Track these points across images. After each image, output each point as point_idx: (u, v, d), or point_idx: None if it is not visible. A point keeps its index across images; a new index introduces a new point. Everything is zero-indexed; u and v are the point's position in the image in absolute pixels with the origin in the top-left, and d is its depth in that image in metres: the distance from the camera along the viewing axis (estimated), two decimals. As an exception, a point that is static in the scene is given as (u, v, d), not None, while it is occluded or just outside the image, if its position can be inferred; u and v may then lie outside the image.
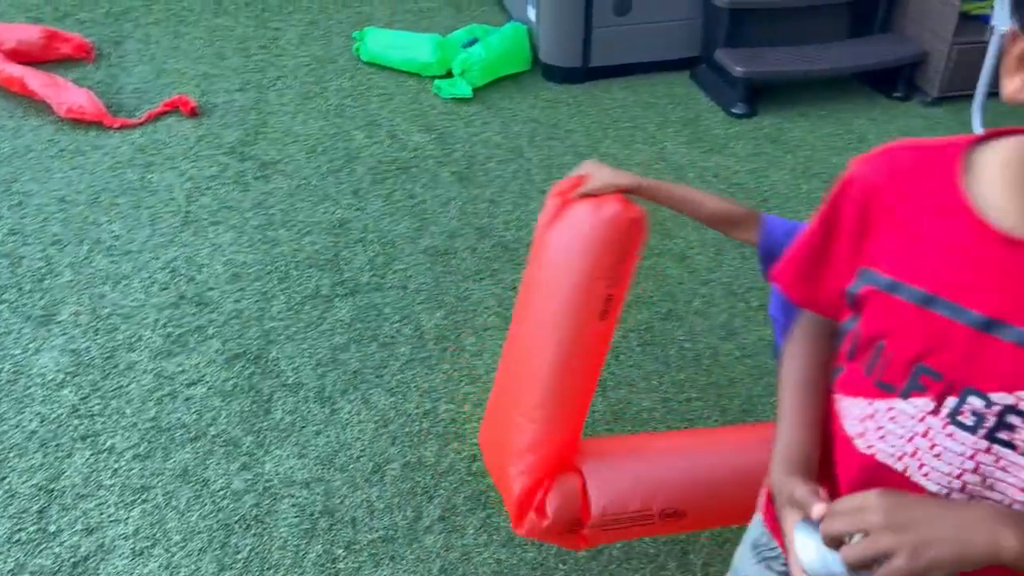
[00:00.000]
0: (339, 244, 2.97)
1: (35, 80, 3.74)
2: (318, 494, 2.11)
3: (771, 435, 1.04)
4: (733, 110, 3.72)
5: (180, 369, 2.45)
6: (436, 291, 2.77)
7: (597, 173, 1.52)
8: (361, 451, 2.23)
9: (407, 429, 2.29)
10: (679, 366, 2.48)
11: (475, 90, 3.85)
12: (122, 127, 3.61)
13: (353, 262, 2.89)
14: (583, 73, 3.98)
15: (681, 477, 1.62)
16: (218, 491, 2.10)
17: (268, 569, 1.93)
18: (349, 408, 2.34)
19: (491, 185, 3.30)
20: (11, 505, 2.04)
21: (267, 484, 2.12)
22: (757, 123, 3.69)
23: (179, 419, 2.29)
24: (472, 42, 4.08)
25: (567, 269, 1.50)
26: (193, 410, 2.32)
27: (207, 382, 2.40)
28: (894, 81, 3.88)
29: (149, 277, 2.79)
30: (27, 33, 4.13)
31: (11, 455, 2.16)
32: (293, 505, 2.08)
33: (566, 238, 1.49)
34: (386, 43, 4.17)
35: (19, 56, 4.00)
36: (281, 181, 3.35)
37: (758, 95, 3.76)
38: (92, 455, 2.18)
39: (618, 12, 3.88)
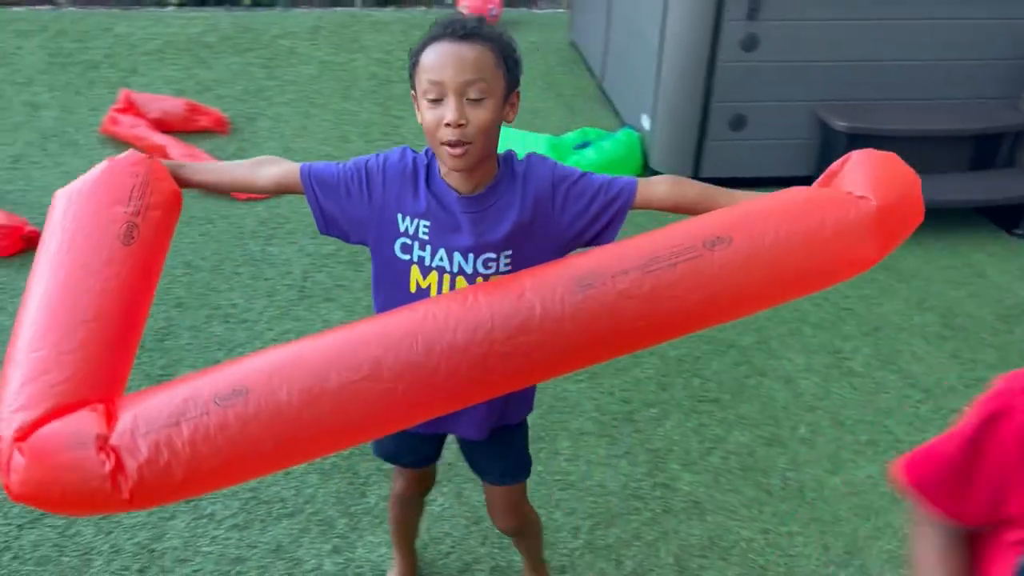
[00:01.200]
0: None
1: (175, 149, 4.01)
2: (406, 586, 2.10)
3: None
4: (845, 233, 3.68)
5: (283, 442, 2.50)
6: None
7: None
8: (451, 547, 2.21)
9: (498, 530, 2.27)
10: (781, 496, 2.40)
11: (585, 191, 3.93)
12: (248, 199, 3.82)
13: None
14: (693, 183, 4.01)
15: (238, 365, 1.20)
16: (309, 571, 2.12)
17: (351, 659, 1.92)
18: (442, 501, 2.34)
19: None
20: (115, 561, 2.10)
21: (358, 570, 2.13)
22: (869, 248, 3.64)
23: (278, 493, 2.34)
24: (584, 145, 4.19)
25: (83, 203, 1.32)
26: (292, 485, 2.36)
27: (314, 460, 2.45)
28: (1016, 217, 3.78)
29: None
30: (171, 105, 4.45)
31: (119, 514, 2.23)
32: (380, 595, 2.08)
33: (79, 184, 1.36)
34: (500, 140, 4.31)
35: (162, 126, 4.31)
36: (391, 264, 3.45)
37: (871, 219, 3.71)
38: (193, 519, 2.23)
39: (733, 127, 3.93)
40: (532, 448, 2.51)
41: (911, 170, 1.49)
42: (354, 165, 1.49)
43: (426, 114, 1.37)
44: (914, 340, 3.06)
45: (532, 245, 1.48)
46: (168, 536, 2.18)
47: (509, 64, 1.39)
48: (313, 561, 2.15)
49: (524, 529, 1.93)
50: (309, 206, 1.48)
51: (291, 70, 5.42)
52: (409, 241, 1.48)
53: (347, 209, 1.48)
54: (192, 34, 5.98)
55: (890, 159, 1.50)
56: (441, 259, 1.47)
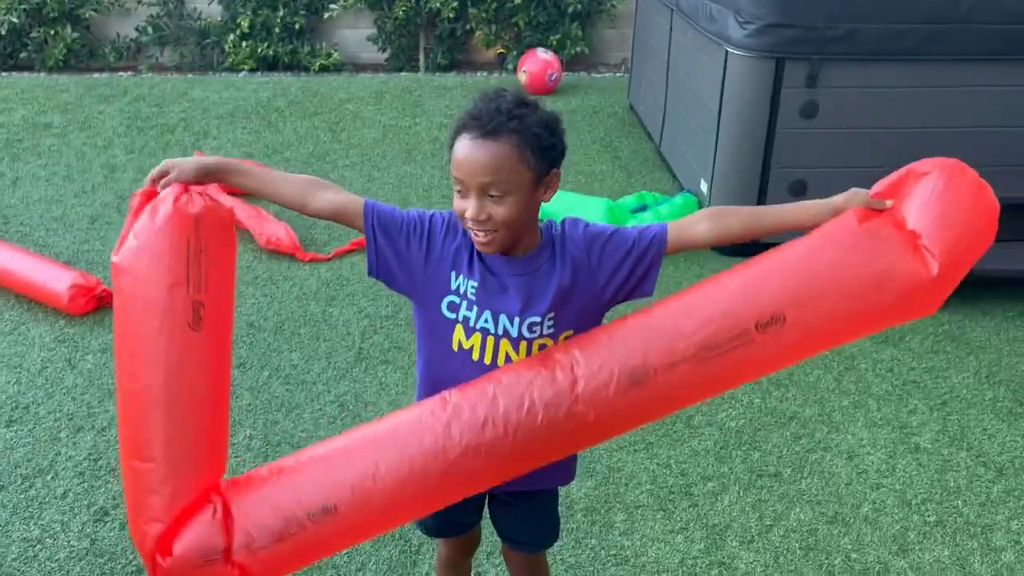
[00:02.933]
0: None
1: (242, 211, 4.14)
2: (456, 661, 2.07)
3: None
4: (910, 301, 3.59)
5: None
6: (588, 458, 2.74)
7: (179, 163, 1.46)
8: (502, 622, 2.18)
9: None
10: (844, 578, 2.32)
11: (642, 256, 3.93)
12: (312, 260, 3.91)
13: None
14: (751, 248, 3.97)
15: (324, 473, 1.39)
16: (359, 641, 2.11)
17: None
18: (493, 572, 2.32)
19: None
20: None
21: (407, 642, 2.11)
22: (936, 318, 3.54)
23: (331, 560, 2.34)
24: (642, 208, 4.20)
25: (141, 284, 1.36)
26: (344, 553, 2.36)
27: (360, 524, 2.45)
28: (1092, 287, 3.65)
29: (320, 409, 2.93)
30: (241, 168, 4.61)
31: None
32: (430, 669, 2.05)
33: (132, 254, 1.37)
34: (557, 203, 4.35)
35: (231, 187, 4.46)
36: (448, 327, 3.48)
37: (937, 288, 3.62)
38: (247, 584, 2.24)
39: (794, 192, 3.90)
40: (585, 519, 2.49)
41: (987, 192, 1.44)
42: (418, 215, 1.52)
43: (455, 201, 1.45)
44: (985, 415, 2.95)
45: (574, 305, 1.52)
46: (222, 600, 2.19)
47: (538, 153, 1.42)
48: (364, 631, 2.14)
49: None
50: (365, 244, 1.51)
51: (356, 133, 5.58)
52: (457, 300, 1.51)
53: (403, 256, 1.50)
54: (262, 98, 6.22)
55: (965, 185, 1.45)
56: (486, 321, 1.50)
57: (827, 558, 2.38)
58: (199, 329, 1.37)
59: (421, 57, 7.24)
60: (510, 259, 1.51)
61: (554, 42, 6.95)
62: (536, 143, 1.41)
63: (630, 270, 1.51)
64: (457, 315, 1.51)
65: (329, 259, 3.93)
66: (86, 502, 2.48)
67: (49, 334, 3.29)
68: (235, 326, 3.38)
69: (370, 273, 1.53)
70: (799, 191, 3.91)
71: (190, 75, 6.90)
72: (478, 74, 7.15)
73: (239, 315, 3.47)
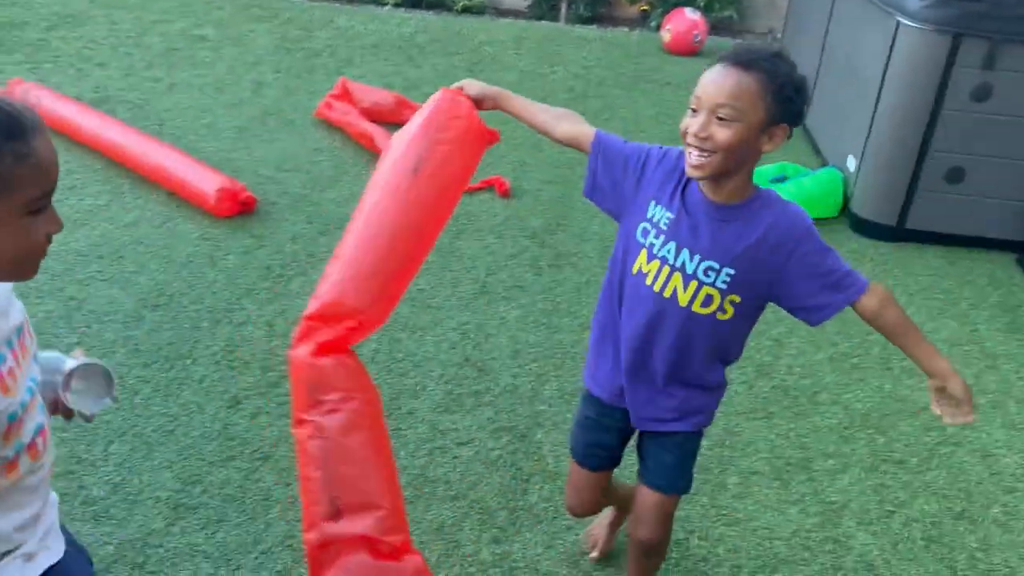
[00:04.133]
0: (618, 347, 3.01)
1: (382, 138, 4.21)
2: (559, 591, 2.09)
3: None
4: (1065, 307, 3.37)
5: (453, 427, 2.56)
6: (706, 418, 2.70)
7: (471, 80, 1.78)
8: (608, 561, 2.19)
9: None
10: None
11: (777, 227, 3.81)
12: (443, 193, 3.95)
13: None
14: (896, 232, 3.81)
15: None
16: (466, 556, 2.15)
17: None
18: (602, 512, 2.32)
19: (779, 324, 3.20)
20: (290, 511, 2.21)
21: (513, 565, 2.14)
22: (1092, 327, 3.31)
23: (444, 474, 2.39)
24: (781, 179, 4.06)
25: (398, 141, 1.72)
26: (458, 470, 2.41)
27: (475, 446, 2.50)
28: None
29: (442, 334, 2.98)
30: (382, 97, 4.69)
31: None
32: (533, 594, 2.08)
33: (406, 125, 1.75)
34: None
35: (372, 115, 4.54)
36: (571, 273, 3.47)
37: (1097, 297, 3.38)
38: (364, 486, 2.32)
39: (951, 180, 3.69)
40: (697, 478, 2.45)
41: None
42: (638, 148, 1.67)
43: (684, 120, 1.53)
44: None
45: (753, 276, 1.58)
46: (340, 497, 2.27)
47: (778, 100, 1.47)
48: (471, 547, 2.18)
49: (662, 547, 1.92)
50: (587, 169, 1.69)
51: (493, 76, 5.58)
52: (650, 227, 1.62)
53: (619, 183, 1.67)
54: (404, 33, 6.29)
55: None
56: (668, 251, 1.60)
57: (950, 553, 2.28)
58: (416, 174, 1.65)
59: (563, 7, 7.15)
60: (712, 203, 1.57)
61: (702, 2, 6.75)
62: (779, 90, 1.47)
63: (808, 293, 1.59)
64: (645, 241, 1.62)
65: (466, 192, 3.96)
66: (221, 389, 2.61)
67: (195, 231, 3.45)
68: (367, 245, 3.46)
69: (585, 194, 1.72)
70: (956, 179, 3.69)
71: (337, 4, 7.03)
72: (619, 29, 7.02)
73: (371, 236, 3.55)
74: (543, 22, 7.08)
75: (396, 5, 7.10)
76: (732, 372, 2.92)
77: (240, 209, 3.58)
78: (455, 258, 3.47)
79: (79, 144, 3.98)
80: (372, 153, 4.24)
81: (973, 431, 2.72)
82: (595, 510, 2.06)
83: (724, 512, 2.37)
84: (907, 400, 2.85)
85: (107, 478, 2.24)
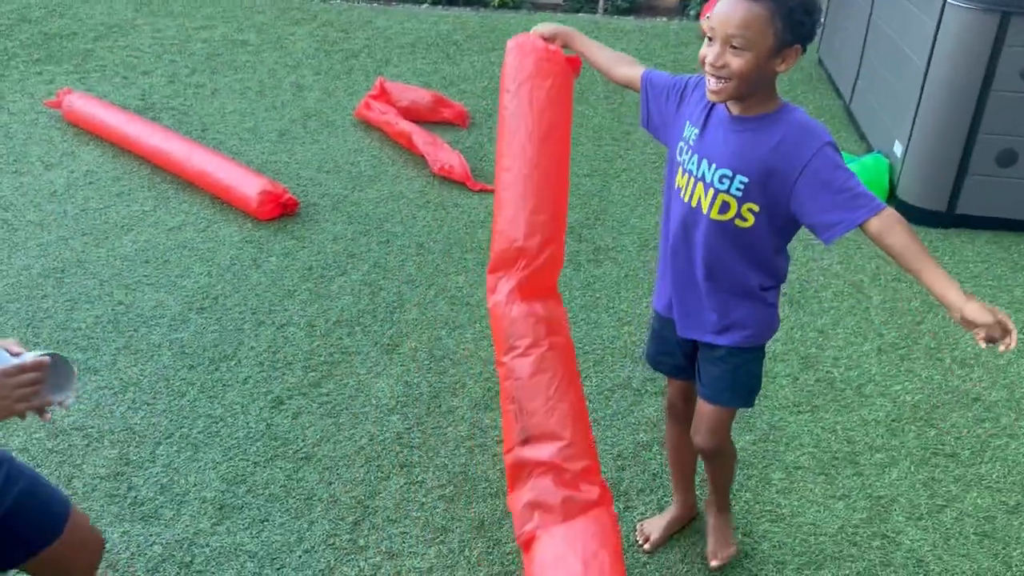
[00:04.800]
0: (659, 341, 2.98)
1: (419, 137, 4.23)
2: (600, 588, 2.08)
3: None
4: None
5: (493, 424, 2.57)
6: (747, 414, 2.66)
7: (543, 24, 2.05)
8: (647, 561, 2.17)
9: (698, 549, 2.20)
10: (1022, 571, 2.15)
11: (821, 216, 3.73)
12: (481, 190, 3.96)
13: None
14: (946, 218, 3.70)
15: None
16: (507, 553, 2.15)
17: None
18: (643, 509, 2.30)
19: (824, 315, 3.14)
20: (332, 510, 2.24)
21: (554, 562, 2.13)
22: None
23: (485, 472, 2.40)
24: (826, 167, 3.97)
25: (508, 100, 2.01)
26: (499, 467, 2.41)
27: (515, 444, 2.49)
28: None
29: (482, 330, 2.98)
30: (419, 95, 4.71)
31: (340, 464, 2.39)
32: (574, 591, 2.07)
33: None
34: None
35: (410, 114, 4.56)
36: (611, 268, 3.45)
37: None
38: (406, 483, 2.34)
39: (1002, 163, 3.58)
40: (741, 473, 2.42)
41: None
42: (678, 79, 1.84)
43: (702, 49, 1.66)
44: None
45: (768, 187, 1.67)
46: (382, 495, 2.30)
47: (788, 23, 1.57)
48: (511, 545, 2.18)
49: (717, 456, 2.03)
50: (640, 102, 1.89)
51: (530, 71, 5.55)
52: (684, 145, 1.77)
53: (663, 111, 1.84)
54: (442, 31, 6.30)
55: None
56: (693, 163, 1.74)
57: (1004, 548, 2.22)
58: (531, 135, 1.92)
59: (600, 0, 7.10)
60: (736, 116, 1.69)
61: (742, -10, 6.62)
62: (789, 15, 1.57)
63: (820, 209, 1.63)
64: (680, 158, 1.78)
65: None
66: (264, 390, 2.65)
67: (238, 234, 3.51)
68: (406, 245, 3.49)
69: (642, 124, 1.92)
70: (1008, 162, 3.58)
71: (375, 4, 7.07)
72: (657, 20, 6.95)
73: (410, 236, 3.57)
74: (581, 14, 7.03)
75: (434, 3, 7.12)
76: (776, 364, 2.88)
77: (282, 211, 3.63)
78: (494, 255, 3.46)
79: (126, 151, 4.08)
80: (407, 152, 4.26)
81: (1028, 422, 2.64)
82: (685, 415, 2.10)
83: (768, 508, 2.33)
84: (958, 391, 2.77)
85: (155, 479, 2.29)
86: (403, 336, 2.93)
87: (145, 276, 3.19)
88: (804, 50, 1.63)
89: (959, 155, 3.60)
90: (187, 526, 2.15)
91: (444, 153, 4.12)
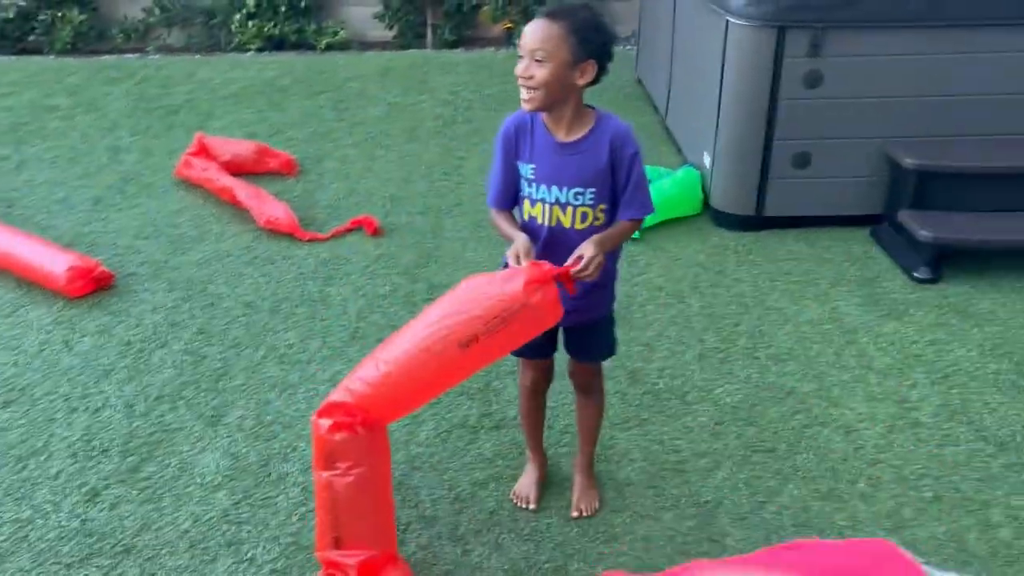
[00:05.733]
0: (491, 374, 3.00)
1: (242, 191, 4.14)
2: (439, 639, 2.07)
3: None
4: (915, 274, 3.52)
5: (326, 485, 2.51)
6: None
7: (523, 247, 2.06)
8: (534, 520, 2.17)
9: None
10: (835, 555, 2.28)
11: (642, 230, 3.88)
12: (311, 240, 3.90)
13: (503, 394, 2.91)
14: (756, 221, 3.92)
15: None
16: None
17: None
18: (481, 551, 2.31)
19: (648, 328, 3.26)
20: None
21: None
22: (941, 290, 3.47)
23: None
24: (645, 183, 4.13)
25: (463, 302, 1.93)
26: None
27: (349, 502, 2.45)
28: (1105, 257, 3.55)
29: (313, 388, 2.93)
30: (242, 148, 4.61)
31: (163, 552, 2.28)
32: (413, 647, 2.05)
33: (475, 283, 1.96)
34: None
35: (233, 168, 4.46)
36: (446, 305, 3.46)
37: (943, 260, 3.55)
38: (234, 563, 2.25)
39: (797, 165, 3.83)
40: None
41: None
42: (502, 140, 2.09)
43: (517, 65, 1.98)
44: (987, 389, 2.89)
45: (608, 185, 2.05)
46: (209, 579, 2.20)
47: (580, 38, 1.91)
48: None
49: (593, 389, 2.41)
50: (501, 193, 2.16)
51: (360, 112, 5.55)
52: (526, 180, 2.08)
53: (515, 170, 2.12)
54: (267, 77, 6.20)
55: None
56: (544, 191, 2.05)
57: (819, 535, 2.35)
58: (464, 350, 1.90)
59: (428, 34, 7.17)
60: (558, 143, 2.04)
61: (561, 15, 6.85)
62: (580, 32, 1.91)
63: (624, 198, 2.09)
64: (528, 191, 2.09)
65: (328, 239, 3.92)
66: (78, 482, 2.50)
67: (47, 316, 3.32)
68: (232, 307, 3.39)
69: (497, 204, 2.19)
70: (803, 163, 3.83)
71: (198, 56, 6.89)
72: (485, 50, 7.08)
73: (237, 296, 3.47)
74: (410, 51, 7.08)
75: (259, 50, 7.00)
76: (606, 383, 2.96)
77: (96, 286, 3.45)
78: (324, 306, 3.42)
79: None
80: (232, 207, 4.16)
81: (836, 407, 2.82)
82: (544, 388, 2.46)
83: (602, 529, 2.38)
84: (774, 386, 2.93)
85: (-48, 600, 2.12)
86: (229, 405, 2.84)
87: (-59, 375, 2.96)
88: (603, 67, 1.98)
89: (759, 162, 3.83)
90: (-11, 648, 2.00)
91: (269, 205, 4.04)
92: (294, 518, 2.40)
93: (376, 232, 3.98)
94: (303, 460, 2.60)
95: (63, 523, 2.36)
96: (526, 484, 2.48)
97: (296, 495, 2.48)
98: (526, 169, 2.06)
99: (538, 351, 2.27)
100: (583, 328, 2.25)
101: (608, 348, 2.34)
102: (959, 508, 2.41)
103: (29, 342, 3.16)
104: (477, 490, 2.51)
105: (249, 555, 2.27)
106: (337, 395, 1.97)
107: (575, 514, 2.41)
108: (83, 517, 2.38)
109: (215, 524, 2.37)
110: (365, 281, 3.60)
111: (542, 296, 1.89)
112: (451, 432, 2.74)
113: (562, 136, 2.04)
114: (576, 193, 2.03)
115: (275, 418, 2.79)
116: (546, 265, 1.93)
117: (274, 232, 3.95)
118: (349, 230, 3.99)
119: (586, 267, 1.94)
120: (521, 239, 2.02)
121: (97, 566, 2.23)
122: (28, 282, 3.51)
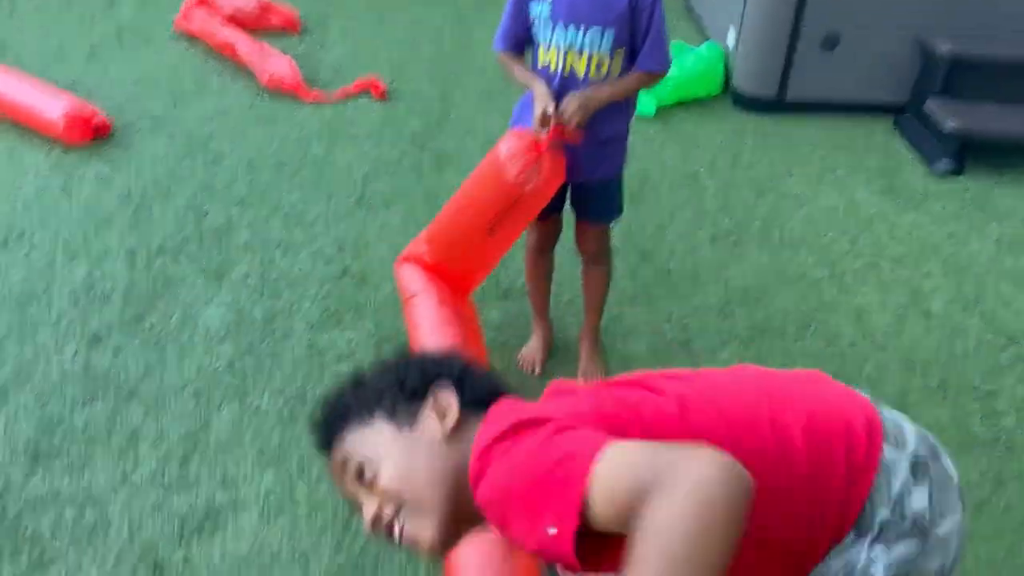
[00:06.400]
0: (501, 245, 2.96)
1: (244, 46, 3.96)
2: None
3: None
4: (937, 166, 3.43)
5: (331, 343, 2.50)
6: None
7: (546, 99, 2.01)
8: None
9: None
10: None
11: (658, 108, 3.76)
12: (315, 101, 3.76)
13: (510, 265, 2.85)
14: (777, 105, 3.80)
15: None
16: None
17: (385, 560, 1.92)
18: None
19: (661, 208, 3.19)
20: (160, 447, 2.13)
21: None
22: (962, 183, 3.39)
23: (324, 392, 2.33)
24: (664, 60, 3.98)
25: (477, 188, 2.23)
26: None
27: (355, 360, 2.44)
28: None
29: (318, 249, 2.87)
30: (244, 2, 4.39)
31: (167, 399, 2.27)
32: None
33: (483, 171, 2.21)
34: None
35: (235, 22, 4.26)
36: (453, 175, 3.37)
37: (966, 152, 3.45)
38: (239, 411, 2.25)
39: (825, 46, 3.67)
40: (570, 370, 2.46)
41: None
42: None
43: None
44: (1002, 282, 2.86)
45: (628, 28, 1.94)
46: (213, 426, 2.20)
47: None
48: (353, 461, 2.14)
49: (601, 257, 2.36)
50: (508, 31, 2.08)
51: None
52: (538, 21, 1.97)
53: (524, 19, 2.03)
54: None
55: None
56: (559, 34, 1.94)
57: (823, 414, 2.35)
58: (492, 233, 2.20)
59: None
60: None
61: None
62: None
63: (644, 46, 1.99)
64: (540, 35, 1.98)
65: (333, 100, 3.78)
66: (80, 328, 2.47)
67: (45, 162, 3.21)
68: (235, 165, 3.30)
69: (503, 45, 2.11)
70: (831, 45, 3.67)
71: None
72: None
73: (239, 152, 3.37)
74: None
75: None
76: (615, 260, 2.91)
77: (94, 134, 3.34)
78: (330, 168, 3.32)
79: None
80: (234, 63, 4.00)
81: (847, 294, 2.79)
82: (550, 248, 2.44)
83: (607, 399, 2.38)
84: (785, 272, 2.89)
85: (-43, 433, 2.12)
86: (233, 261, 2.78)
87: (-63, 215, 2.89)
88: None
89: (786, 40, 3.67)
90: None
91: (273, 61, 3.88)
92: (300, 371, 2.39)
93: (383, 96, 3.84)
94: (308, 319, 2.57)
95: (66, 366, 2.34)
96: (532, 349, 2.47)
97: (302, 350, 2.46)
98: (542, 7, 1.94)
99: (548, 210, 2.23)
100: (592, 187, 2.19)
101: (616, 209, 2.29)
102: (965, 395, 2.42)
103: (27, 186, 3.07)
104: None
105: (254, 404, 2.27)
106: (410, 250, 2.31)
107: (581, 380, 2.41)
108: (86, 362, 2.36)
109: (220, 374, 2.36)
110: (371, 146, 3.49)
111: (538, 174, 2.01)
112: (458, 298, 2.70)
113: None
114: (594, 34, 1.92)
115: (280, 276, 2.74)
116: (528, 135, 2.00)
117: (278, 90, 3.81)
118: (355, 92, 3.85)
119: (564, 113, 1.92)
120: (541, 91, 1.96)
121: (101, 408, 2.22)
122: (24, 126, 3.39)
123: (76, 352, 2.39)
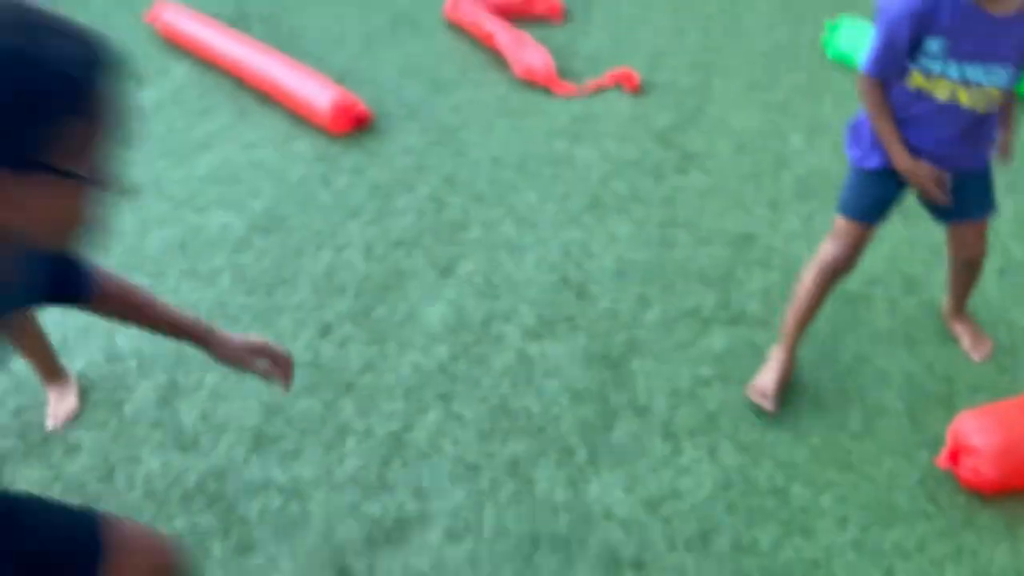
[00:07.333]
0: (736, 261, 2.71)
1: (503, 36, 3.98)
2: (632, 538, 1.95)
3: None
4: None
5: (542, 354, 2.43)
6: (833, 344, 2.38)
7: None
8: (691, 508, 2.00)
9: (748, 501, 2.01)
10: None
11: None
12: (566, 94, 3.69)
13: (746, 286, 2.62)
14: None
15: None
16: (539, 496, 2.05)
17: (560, 600, 1.83)
18: (692, 454, 2.12)
19: (939, 229, 2.74)
20: (365, 444, 2.20)
21: (586, 508, 2.02)
22: None
23: (525, 406, 2.28)
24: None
25: None
26: (542, 401, 2.28)
27: (562, 376, 2.36)
28: None
29: (543, 254, 2.81)
30: (511, -10, 4.41)
31: (380, 396, 2.34)
32: (604, 540, 1.95)
33: None
34: (861, 39, 3.70)
35: (500, 11, 4.29)
36: (698, 177, 3.16)
37: None
38: (444, 417, 2.26)
39: None
40: (811, 414, 2.18)
41: None
42: (904, 13, 1.81)
43: None
44: None
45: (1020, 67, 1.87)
46: (417, 429, 2.23)
47: None
48: (545, 485, 2.07)
49: (981, 260, 2.25)
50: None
51: None
52: (932, 60, 1.84)
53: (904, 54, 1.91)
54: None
55: None
56: (952, 70, 1.84)
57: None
58: None
59: None
60: (998, 16, 1.77)
61: None
62: None
63: None
64: (924, 66, 1.86)
65: (582, 94, 3.69)
66: (315, 316, 2.62)
67: (311, 151, 3.45)
68: (480, 159, 3.32)
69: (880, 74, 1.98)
70: None
71: None
72: None
73: (485, 146, 3.40)
74: None
75: None
76: (873, 287, 2.56)
77: (355, 124, 3.53)
78: (569, 167, 3.24)
79: (215, 66, 4.08)
80: (493, 54, 4.03)
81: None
82: (855, 263, 2.20)
83: (838, 455, 2.10)
84: None
85: (199, 406, 2.32)
86: (461, 258, 2.81)
87: (216, 197, 3.20)
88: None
89: None
90: (222, 456, 2.18)
91: (527, 52, 3.86)
92: (505, 382, 2.35)
93: (636, 89, 3.68)
94: (522, 324, 2.53)
95: (298, 352, 2.49)
96: (769, 380, 2.21)
97: (510, 359, 2.42)
98: (935, 43, 1.83)
99: (879, 214, 2.11)
100: (969, 176, 2.06)
101: (995, 200, 2.16)
102: None
103: (292, 174, 3.32)
104: (698, 388, 2.30)
105: (458, 412, 2.27)
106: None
107: (977, 357, 2.33)
108: (315, 349, 2.50)
109: (432, 375, 2.38)
110: (614, 144, 3.36)
111: None
112: (679, 320, 2.52)
113: (994, 7, 1.77)
114: (995, 73, 1.85)
115: (503, 278, 2.72)
116: None
117: (530, 82, 3.79)
118: (607, 85, 3.73)
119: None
120: (926, 171, 1.97)
121: (320, 398, 2.34)
122: (298, 115, 3.66)
123: (308, 340, 2.53)
